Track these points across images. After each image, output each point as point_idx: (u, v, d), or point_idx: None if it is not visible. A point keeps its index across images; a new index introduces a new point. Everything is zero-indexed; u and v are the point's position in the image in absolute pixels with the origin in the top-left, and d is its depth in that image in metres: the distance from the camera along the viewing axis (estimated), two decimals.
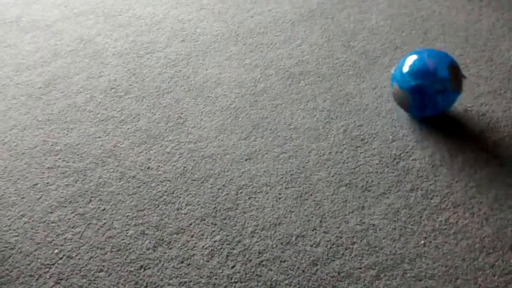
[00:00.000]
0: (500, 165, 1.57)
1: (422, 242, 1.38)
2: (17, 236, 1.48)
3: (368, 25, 2.24)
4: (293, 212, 1.49)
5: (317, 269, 1.35)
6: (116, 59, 2.15)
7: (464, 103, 1.80)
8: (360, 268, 1.34)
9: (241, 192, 1.56)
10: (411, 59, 1.64)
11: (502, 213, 1.43)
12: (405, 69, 1.63)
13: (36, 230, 1.50)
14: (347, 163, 1.63)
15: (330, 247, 1.39)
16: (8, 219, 1.53)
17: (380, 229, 1.42)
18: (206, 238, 1.45)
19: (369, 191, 1.53)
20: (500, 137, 1.66)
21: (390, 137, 1.70)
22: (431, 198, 1.49)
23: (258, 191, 1.56)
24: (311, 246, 1.40)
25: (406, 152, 1.64)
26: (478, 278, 1.28)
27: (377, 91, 1.89)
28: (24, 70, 2.11)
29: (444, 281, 1.28)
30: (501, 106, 1.77)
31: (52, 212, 1.54)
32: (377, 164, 1.61)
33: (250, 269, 1.36)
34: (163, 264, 1.39)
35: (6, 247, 1.45)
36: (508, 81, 1.88)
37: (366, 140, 1.70)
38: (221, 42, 2.21)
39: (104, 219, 1.52)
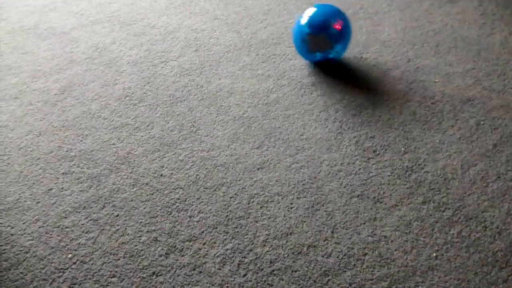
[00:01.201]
0: None
1: (434, 254, 1.38)
2: (32, 240, 1.50)
3: (380, 38, 2.26)
4: (304, 222, 1.50)
5: (328, 280, 1.35)
6: (130, 67, 2.18)
7: (477, 116, 1.81)
8: (372, 280, 1.34)
9: (253, 201, 1.58)
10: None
11: None
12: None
13: (51, 234, 1.51)
14: (359, 174, 1.63)
15: (342, 258, 1.40)
16: (23, 223, 1.55)
17: (392, 241, 1.43)
18: (218, 246, 1.46)
19: (381, 202, 1.54)
20: None
21: (402, 149, 1.71)
22: (443, 211, 1.49)
23: (270, 200, 1.57)
24: (323, 256, 1.41)
25: (418, 165, 1.65)
26: (491, 287, 1.28)
27: (389, 102, 1.90)
28: (40, 76, 2.15)
29: None
30: None
31: (66, 217, 1.56)
32: (389, 175, 1.62)
33: (262, 278, 1.37)
34: (175, 271, 1.40)
35: (21, 250, 1.47)
36: None
37: (378, 152, 1.71)
38: (234, 52, 2.23)
39: (118, 225, 1.53)
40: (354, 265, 1.38)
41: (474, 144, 1.70)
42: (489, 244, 1.39)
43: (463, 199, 1.52)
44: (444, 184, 1.57)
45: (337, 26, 1.97)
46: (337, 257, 1.40)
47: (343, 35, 2.01)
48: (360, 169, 1.65)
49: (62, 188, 1.65)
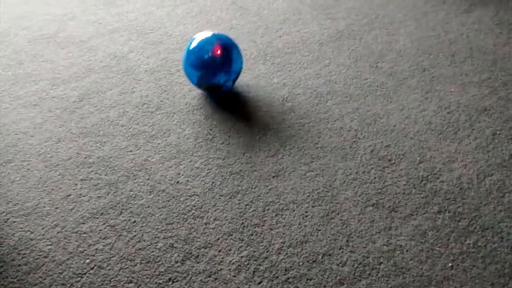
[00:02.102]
0: None
1: (450, 264, 1.38)
2: (51, 245, 1.52)
3: (395, 47, 2.26)
4: (319, 230, 1.51)
5: None
6: (148, 75, 2.21)
7: (493, 126, 1.80)
8: None
9: (268, 209, 1.59)
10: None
11: None
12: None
13: (69, 240, 1.54)
14: (374, 183, 1.64)
15: (357, 267, 1.40)
16: (42, 229, 1.57)
17: (407, 250, 1.43)
18: (233, 253, 1.47)
19: (396, 211, 1.54)
20: None
21: (418, 158, 1.71)
22: (459, 221, 1.49)
23: (285, 208, 1.58)
24: (338, 265, 1.41)
25: (434, 174, 1.65)
26: None
27: (404, 112, 1.90)
28: (59, 84, 2.19)
29: None
30: None
31: (84, 223, 1.59)
32: (404, 185, 1.62)
33: (277, 286, 1.37)
34: (191, 278, 1.41)
35: (40, 255, 1.50)
36: None
37: (393, 161, 1.71)
38: (250, 61, 2.25)
39: (134, 231, 1.55)
40: (369, 274, 1.38)
41: (490, 154, 1.70)
42: (505, 254, 1.39)
43: (479, 209, 1.52)
44: (459, 194, 1.57)
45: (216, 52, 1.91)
46: (352, 265, 1.41)
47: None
48: (375, 178, 1.66)
49: (80, 194, 1.68)
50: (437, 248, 1.42)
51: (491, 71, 2.07)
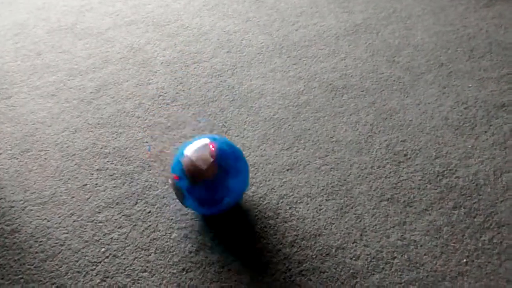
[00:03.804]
0: None
1: (464, 260, 1.37)
2: (67, 233, 1.55)
3: (413, 42, 2.24)
4: (333, 224, 1.51)
5: (356, 282, 1.35)
6: (164, 67, 2.22)
7: (511, 122, 1.78)
8: (400, 284, 1.34)
9: (282, 202, 1.59)
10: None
11: None
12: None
13: (85, 228, 1.56)
14: (389, 177, 1.63)
15: (370, 261, 1.40)
16: (59, 217, 1.60)
17: (421, 246, 1.42)
18: (247, 245, 1.47)
19: (411, 206, 1.53)
20: None
21: (434, 153, 1.70)
22: (474, 217, 1.48)
23: (299, 201, 1.58)
24: (351, 258, 1.41)
25: (450, 170, 1.63)
26: None
27: (421, 107, 1.89)
28: (76, 75, 2.21)
29: None
30: None
31: (100, 212, 1.61)
32: (419, 180, 1.61)
33: (290, 278, 1.38)
34: (204, 268, 1.43)
35: (56, 243, 1.52)
36: None
37: (409, 156, 1.70)
38: (266, 54, 2.25)
39: (149, 221, 1.57)
40: (383, 268, 1.38)
41: (508, 151, 1.68)
42: None
43: (495, 205, 1.50)
44: (475, 190, 1.56)
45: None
46: (366, 259, 1.40)
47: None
48: (390, 172, 1.65)
49: (96, 184, 1.70)
50: (452, 244, 1.41)
51: (510, 67, 2.04)
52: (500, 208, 1.49)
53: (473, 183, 1.58)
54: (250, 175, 1.69)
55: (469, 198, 1.54)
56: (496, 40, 2.20)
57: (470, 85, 1.97)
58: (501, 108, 1.85)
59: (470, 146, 1.71)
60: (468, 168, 1.63)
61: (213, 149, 1.39)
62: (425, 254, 1.40)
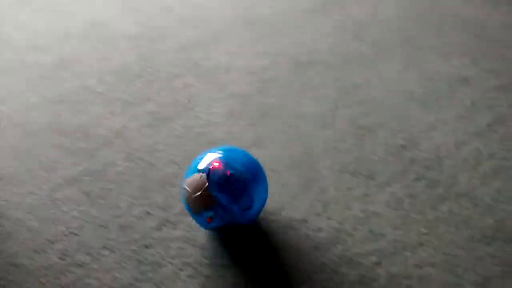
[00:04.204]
0: (505, 158, 1.56)
1: (424, 231, 1.39)
2: (25, 212, 1.51)
3: (380, 17, 2.24)
4: (297, 197, 1.51)
5: (319, 254, 1.36)
6: (127, 42, 2.16)
7: (473, 96, 1.80)
8: (362, 254, 1.35)
9: None
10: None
11: (504, 205, 1.43)
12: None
13: (43, 207, 1.52)
14: (352, 151, 1.63)
15: (333, 233, 1.40)
16: (16, 196, 1.55)
17: (382, 217, 1.43)
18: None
19: (374, 179, 1.54)
20: (506, 131, 1.66)
21: (397, 127, 1.71)
22: (435, 188, 1.50)
23: None
24: (314, 231, 1.41)
25: (412, 143, 1.65)
26: (477, 267, 1.29)
27: (385, 81, 1.89)
28: (35, 50, 2.14)
29: (444, 269, 1.29)
30: (509, 101, 1.77)
31: (58, 190, 1.57)
32: (382, 153, 1.62)
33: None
34: (167, 244, 1.41)
35: (14, 223, 1.48)
36: None
37: (372, 129, 1.70)
38: (233, 28, 2.22)
39: (110, 198, 1.54)
40: (345, 240, 1.39)
41: (469, 124, 1.70)
42: (478, 221, 1.40)
43: (455, 177, 1.52)
44: (437, 162, 1.57)
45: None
46: (328, 232, 1.41)
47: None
48: (354, 146, 1.65)
49: (55, 162, 1.66)
50: (412, 215, 1.43)
51: (473, 42, 2.05)
52: (460, 179, 1.51)
53: (435, 155, 1.60)
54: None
55: (430, 170, 1.55)
56: (462, 15, 2.22)
57: (434, 60, 1.98)
58: (464, 82, 1.87)
59: (432, 120, 1.73)
60: (430, 141, 1.65)
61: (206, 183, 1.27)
62: (386, 225, 1.41)
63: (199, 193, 1.26)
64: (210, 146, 1.68)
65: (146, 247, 1.41)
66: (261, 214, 1.47)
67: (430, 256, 1.33)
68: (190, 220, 1.46)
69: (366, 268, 1.31)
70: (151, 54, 2.09)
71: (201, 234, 1.42)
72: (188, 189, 1.29)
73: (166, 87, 1.93)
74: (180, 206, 1.50)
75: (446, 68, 1.94)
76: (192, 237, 1.42)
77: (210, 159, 1.30)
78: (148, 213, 1.49)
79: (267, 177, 1.57)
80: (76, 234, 1.45)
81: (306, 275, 1.31)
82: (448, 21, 2.18)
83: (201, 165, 1.29)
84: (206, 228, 1.34)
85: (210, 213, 1.26)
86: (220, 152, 1.32)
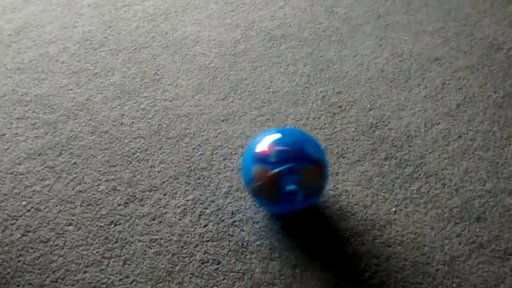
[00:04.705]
0: (473, 139, 1.59)
1: (393, 209, 1.40)
2: None
3: None
4: None
5: (288, 232, 1.35)
6: (91, 9, 2.06)
7: (443, 76, 1.81)
8: (331, 232, 1.35)
9: (216, 153, 1.55)
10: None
11: (471, 185, 1.46)
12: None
13: (4, 181, 1.45)
14: (324, 129, 1.62)
15: (303, 212, 1.40)
16: None
17: (352, 195, 1.44)
18: (179, 196, 1.43)
19: (344, 157, 1.54)
20: (475, 112, 1.68)
21: (368, 105, 1.70)
22: (404, 167, 1.51)
23: (233, 152, 1.55)
24: None
25: (383, 121, 1.65)
26: (444, 246, 1.31)
27: (357, 59, 1.88)
28: None
29: (412, 248, 1.31)
30: (478, 81, 1.79)
31: (20, 164, 1.50)
32: (353, 131, 1.61)
33: (223, 229, 1.36)
34: (134, 221, 1.37)
35: None
36: (487, 57, 1.89)
37: (344, 107, 1.69)
38: None
39: (75, 173, 1.48)
40: (315, 218, 1.38)
41: (439, 103, 1.71)
42: (446, 200, 1.42)
43: (425, 156, 1.54)
44: (407, 142, 1.58)
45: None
46: (299, 211, 1.40)
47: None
48: (325, 124, 1.64)
49: (16, 134, 1.58)
50: (382, 194, 1.44)
51: (444, 21, 2.06)
52: (429, 159, 1.53)
53: (405, 134, 1.61)
54: (184, 125, 1.62)
55: (400, 149, 1.56)
56: None
57: (406, 38, 1.97)
58: (435, 62, 1.88)
59: (403, 99, 1.73)
60: (400, 120, 1.65)
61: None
62: (356, 204, 1.42)
63: (269, 185, 1.23)
64: (178, 119, 1.63)
65: (113, 223, 1.37)
66: (232, 191, 1.45)
67: (399, 234, 1.34)
68: (157, 196, 1.43)
69: (336, 247, 1.32)
70: (116, 22, 2.01)
71: (169, 211, 1.39)
72: (257, 178, 1.24)
73: (132, 57, 1.85)
74: (147, 182, 1.46)
75: (417, 46, 1.94)
76: (160, 213, 1.39)
77: (278, 148, 1.24)
78: (114, 188, 1.45)
79: (238, 152, 1.54)
80: (39, 210, 1.39)
81: (276, 251, 1.31)
82: None
83: (272, 158, 1.23)
84: (271, 211, 1.35)
85: (292, 187, 1.22)
86: (286, 138, 1.27)
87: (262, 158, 1.24)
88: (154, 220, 1.38)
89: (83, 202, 1.41)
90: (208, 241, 1.33)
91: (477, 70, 1.84)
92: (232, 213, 1.39)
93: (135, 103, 1.69)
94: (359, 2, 2.15)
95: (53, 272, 1.27)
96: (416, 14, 2.10)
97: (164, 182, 1.47)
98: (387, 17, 2.08)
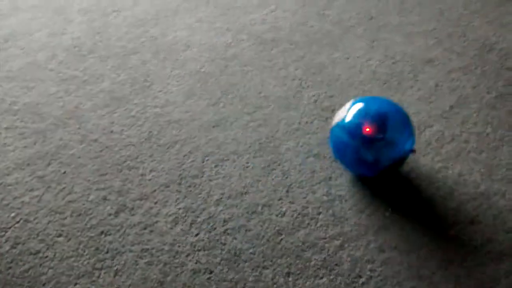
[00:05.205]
0: (466, 141, 1.58)
1: (387, 214, 1.39)
2: None
3: None
4: (260, 181, 1.47)
5: (281, 239, 1.34)
6: (80, 16, 2.04)
7: (436, 77, 1.80)
8: (325, 238, 1.33)
9: (207, 160, 1.53)
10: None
11: (465, 188, 1.45)
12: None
13: None
14: (316, 133, 1.61)
15: (296, 217, 1.38)
16: None
17: (346, 200, 1.42)
18: (170, 205, 1.41)
19: (337, 162, 1.52)
20: (468, 113, 1.67)
21: None
22: (397, 171, 1.49)
23: (225, 159, 1.53)
24: (277, 215, 1.39)
25: None
26: (440, 249, 1.30)
27: (350, 61, 1.86)
28: None
29: (406, 253, 1.30)
30: (471, 82, 1.78)
31: (9, 174, 1.48)
32: None
33: (215, 237, 1.34)
34: (125, 230, 1.35)
35: None
36: (479, 57, 1.88)
37: (336, 111, 1.68)
38: (192, 3, 2.13)
39: (64, 183, 1.46)
40: (308, 224, 1.37)
41: (432, 105, 1.70)
42: (440, 203, 1.41)
43: (418, 159, 1.53)
44: None
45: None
46: (291, 216, 1.39)
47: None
48: (318, 128, 1.62)
49: (4, 144, 1.56)
50: (376, 198, 1.42)
51: (437, 22, 2.05)
52: (423, 162, 1.52)
53: None
54: (174, 132, 1.61)
55: None
56: None
57: (399, 40, 1.96)
58: (428, 63, 1.86)
59: (396, 101, 1.72)
60: None
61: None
62: (349, 209, 1.40)
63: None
64: (169, 126, 1.62)
65: (104, 233, 1.35)
66: (224, 198, 1.43)
67: (393, 239, 1.33)
68: (148, 205, 1.41)
69: (329, 252, 1.30)
70: (105, 28, 1.99)
71: (160, 220, 1.38)
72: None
73: (121, 64, 1.83)
74: (138, 190, 1.44)
75: (410, 48, 1.92)
76: (151, 222, 1.37)
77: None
78: (105, 198, 1.43)
79: (230, 159, 1.53)
80: (28, 221, 1.37)
81: (269, 259, 1.29)
82: None
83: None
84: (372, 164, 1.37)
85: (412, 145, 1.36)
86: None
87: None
88: (145, 229, 1.36)
89: (73, 213, 1.39)
90: (200, 250, 1.31)
91: (470, 71, 1.83)
92: (224, 221, 1.38)
93: (125, 110, 1.67)
94: (350, 4, 2.14)
95: (43, 284, 1.25)
96: (409, 15, 2.09)
97: (155, 191, 1.45)
98: (379, 19, 2.06)
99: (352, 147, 1.35)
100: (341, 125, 1.37)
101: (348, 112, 1.37)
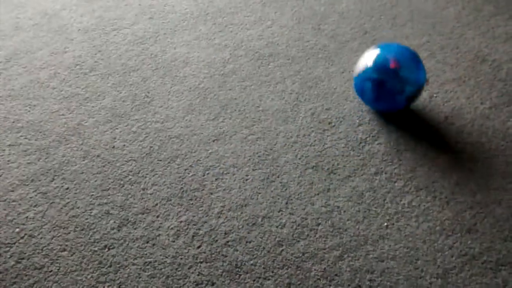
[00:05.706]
0: (462, 151, 1.61)
1: (385, 224, 1.41)
2: None
3: (338, 9, 2.24)
4: (259, 193, 1.50)
5: (282, 250, 1.36)
6: (81, 34, 2.09)
7: (430, 89, 1.84)
8: (324, 249, 1.36)
9: (208, 173, 1.56)
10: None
11: (462, 197, 1.47)
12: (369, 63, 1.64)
13: None
14: (314, 145, 1.64)
15: (296, 228, 1.41)
16: None
17: (344, 211, 1.45)
18: (172, 218, 1.44)
19: (335, 173, 1.55)
20: (463, 124, 1.70)
21: (357, 121, 1.72)
22: (395, 182, 1.52)
23: (225, 172, 1.56)
24: (277, 227, 1.41)
25: (372, 136, 1.67)
26: (437, 259, 1.32)
27: (345, 75, 1.90)
28: None
29: (405, 262, 1.32)
30: (465, 93, 1.82)
31: (13, 191, 1.50)
32: (343, 147, 1.63)
33: (216, 249, 1.36)
34: (127, 244, 1.38)
35: None
36: (472, 69, 1.92)
37: (333, 124, 1.71)
38: (190, 20, 2.17)
39: (68, 198, 1.49)
40: (308, 235, 1.39)
41: (427, 116, 1.74)
42: (437, 213, 1.43)
43: (415, 170, 1.56)
44: (396, 156, 1.60)
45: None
46: (291, 227, 1.41)
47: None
48: (315, 140, 1.66)
49: (8, 161, 1.59)
50: (374, 209, 1.45)
51: (430, 35, 2.09)
52: (419, 173, 1.55)
53: (394, 149, 1.62)
54: (175, 146, 1.64)
55: (390, 163, 1.58)
56: (417, 8, 2.25)
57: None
58: None
59: (391, 113, 1.75)
60: (389, 134, 1.67)
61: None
62: (348, 220, 1.43)
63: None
64: (169, 141, 1.65)
65: (107, 247, 1.37)
66: (224, 211, 1.45)
67: (391, 249, 1.35)
68: (150, 218, 1.43)
69: (329, 263, 1.33)
70: (106, 46, 2.03)
71: (162, 233, 1.40)
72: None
73: (122, 81, 1.87)
74: (140, 204, 1.47)
75: None
76: (153, 236, 1.39)
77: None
78: (107, 212, 1.45)
79: (230, 172, 1.55)
80: (32, 236, 1.39)
81: (269, 270, 1.31)
82: (402, 13, 2.21)
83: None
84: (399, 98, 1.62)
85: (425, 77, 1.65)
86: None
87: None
88: (147, 243, 1.38)
89: (77, 227, 1.41)
90: (202, 262, 1.34)
91: (464, 82, 1.86)
92: (225, 233, 1.40)
93: (126, 126, 1.70)
94: (345, 19, 2.18)
95: None
96: (402, 29, 2.13)
97: (156, 204, 1.47)
98: (374, 33, 2.11)
99: (380, 82, 1.59)
100: (368, 69, 1.61)
101: (370, 59, 1.63)
